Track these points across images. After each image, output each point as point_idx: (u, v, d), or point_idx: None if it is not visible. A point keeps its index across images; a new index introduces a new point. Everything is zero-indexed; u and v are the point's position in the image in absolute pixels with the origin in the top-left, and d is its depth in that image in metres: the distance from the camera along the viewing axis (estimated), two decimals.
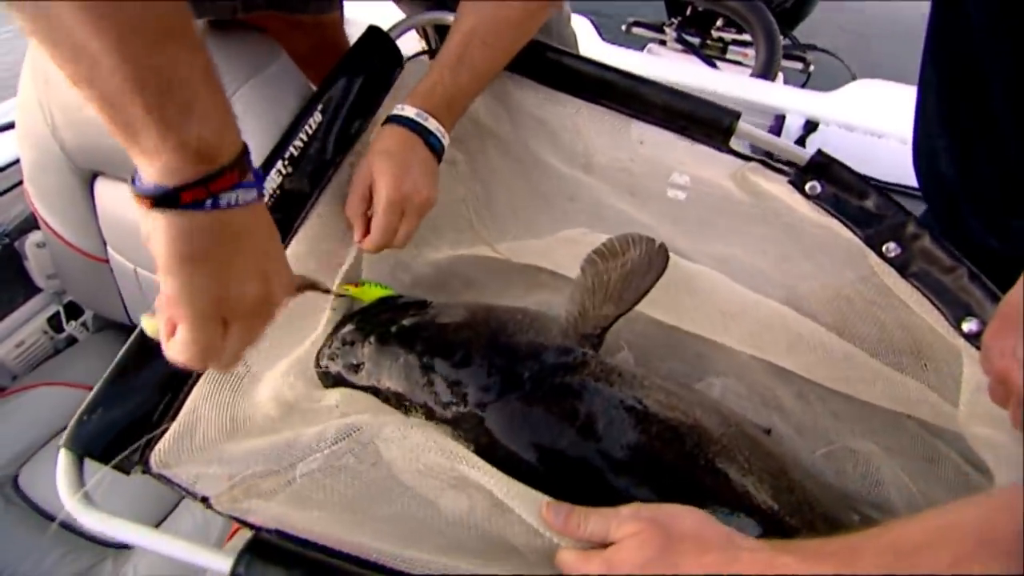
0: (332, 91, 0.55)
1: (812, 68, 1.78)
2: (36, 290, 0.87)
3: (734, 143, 0.60)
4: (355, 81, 0.56)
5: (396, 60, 0.61)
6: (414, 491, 0.47)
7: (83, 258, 0.74)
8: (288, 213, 0.52)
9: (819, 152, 0.56)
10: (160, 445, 0.43)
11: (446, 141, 0.56)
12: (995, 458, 0.45)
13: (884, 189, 0.64)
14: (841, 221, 0.56)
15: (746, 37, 1.66)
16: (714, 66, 1.72)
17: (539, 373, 0.52)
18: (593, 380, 0.52)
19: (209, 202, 0.32)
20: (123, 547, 0.63)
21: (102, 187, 0.68)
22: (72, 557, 0.61)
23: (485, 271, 0.72)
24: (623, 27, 1.91)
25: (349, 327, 0.58)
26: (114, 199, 0.68)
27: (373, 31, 0.60)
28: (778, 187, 0.58)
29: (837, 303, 0.63)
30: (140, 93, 0.29)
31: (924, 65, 0.65)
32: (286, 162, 0.51)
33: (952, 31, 0.59)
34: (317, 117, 0.53)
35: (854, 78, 1.43)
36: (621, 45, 1.35)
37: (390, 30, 0.62)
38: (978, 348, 0.47)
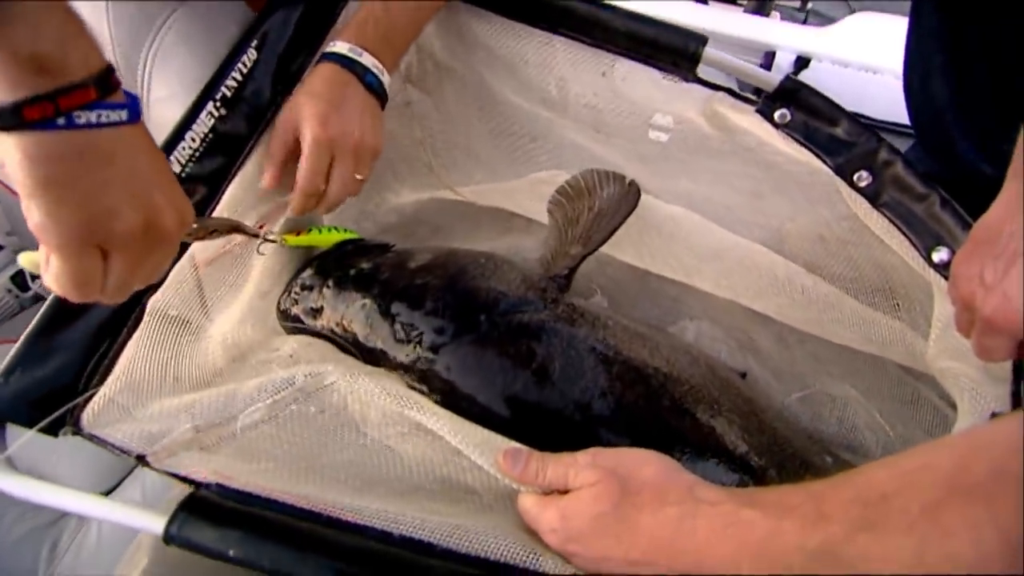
0: (269, 24, 0.51)
1: (810, 5, 1.70)
2: None
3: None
4: (294, 12, 0.52)
5: None
6: (366, 437, 0.46)
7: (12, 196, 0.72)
8: (225, 157, 0.49)
9: (788, 77, 0.53)
10: (91, 405, 0.41)
11: (386, 79, 0.52)
12: (960, 392, 0.43)
13: (874, 126, 0.60)
14: (811, 150, 0.53)
15: None
16: (705, 2, 1.64)
17: (496, 314, 0.50)
18: (553, 320, 0.50)
19: (62, 120, 0.29)
20: None
21: None
22: (32, 514, 0.61)
23: (452, 216, 0.70)
24: None
25: (308, 271, 0.57)
26: None
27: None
28: (748, 118, 0.54)
29: (811, 242, 0.61)
30: None
31: None
32: (218, 103, 0.48)
33: None
34: (252, 54, 0.50)
35: (852, 12, 1.36)
36: None
37: None
38: (947, 279, 0.45)
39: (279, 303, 0.57)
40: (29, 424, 0.39)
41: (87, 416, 0.40)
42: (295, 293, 0.56)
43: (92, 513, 0.38)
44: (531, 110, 0.61)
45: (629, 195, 0.58)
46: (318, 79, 0.50)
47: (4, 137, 0.29)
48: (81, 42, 0.30)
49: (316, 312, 0.55)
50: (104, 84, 0.30)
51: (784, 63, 1.07)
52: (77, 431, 0.40)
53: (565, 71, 0.59)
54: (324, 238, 0.58)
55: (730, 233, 0.65)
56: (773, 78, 0.53)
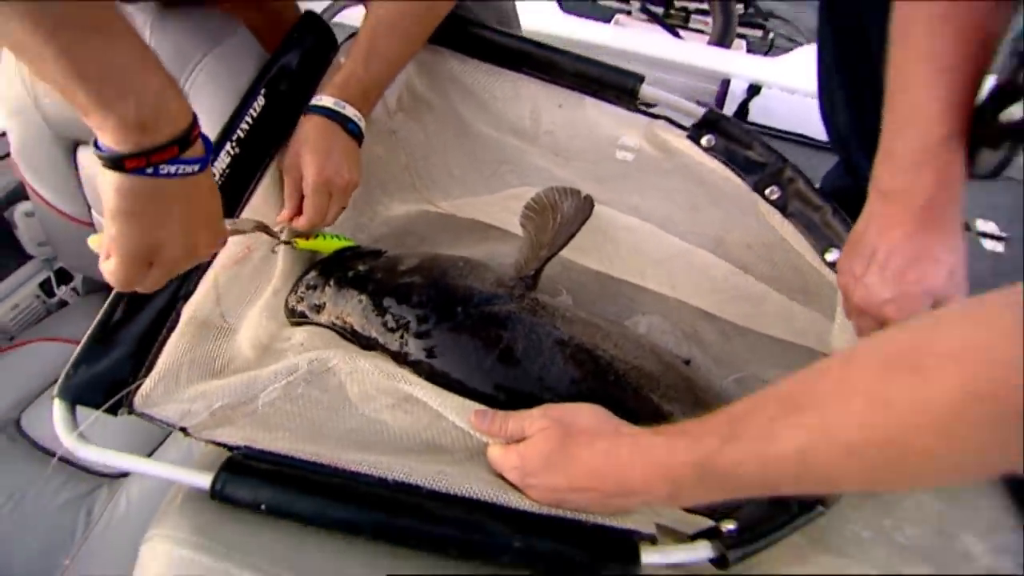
0: (273, 74, 0.61)
1: (772, 36, 1.84)
2: (27, 257, 0.94)
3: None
4: (293, 64, 0.62)
5: (331, 43, 0.68)
6: (364, 409, 0.55)
7: (71, 223, 0.81)
8: (237, 189, 0.59)
9: (710, 109, 0.63)
10: (142, 390, 0.50)
11: (363, 124, 0.63)
12: None
13: (815, 145, 0.70)
14: (732, 170, 0.63)
15: (707, 6, 1.72)
16: (677, 35, 1.77)
17: (471, 306, 0.60)
18: (518, 311, 0.60)
19: (150, 170, 0.39)
20: (118, 476, 0.72)
21: (84, 155, 0.75)
22: (71, 485, 0.69)
23: (435, 227, 0.80)
24: None
25: (312, 273, 0.66)
26: (96, 165, 0.74)
27: (309, 16, 0.66)
28: (683, 142, 0.65)
29: (742, 248, 0.72)
30: (79, 80, 0.36)
31: (820, 22, 0.72)
32: (234, 144, 0.58)
33: None
34: (261, 101, 0.60)
35: (809, 43, 1.49)
36: (583, 15, 1.40)
37: (324, 12, 0.69)
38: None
39: (287, 301, 0.66)
40: (95, 406, 0.48)
41: (138, 399, 0.49)
42: (301, 292, 0.66)
43: (151, 472, 0.46)
44: (500, 137, 0.72)
45: (584, 206, 0.68)
46: (312, 129, 0.61)
47: (107, 172, 0.39)
48: (173, 106, 0.39)
49: (319, 308, 0.65)
50: (185, 142, 0.40)
51: (738, 90, 1.19)
52: (131, 411, 0.49)
53: (528, 104, 0.69)
54: (326, 244, 0.68)
55: (676, 240, 0.76)
56: (699, 110, 0.64)
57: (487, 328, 0.58)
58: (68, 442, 0.46)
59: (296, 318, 0.65)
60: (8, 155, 0.82)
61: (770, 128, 1.14)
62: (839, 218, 0.58)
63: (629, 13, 1.89)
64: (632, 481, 0.41)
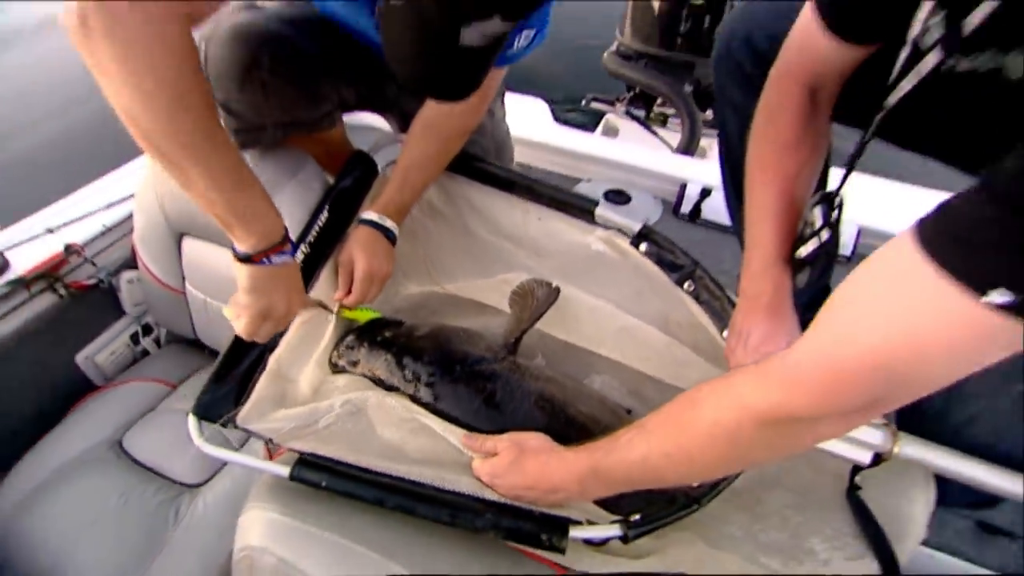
0: (333, 197, 0.88)
1: None
2: (122, 314, 1.19)
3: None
4: (347, 189, 0.90)
5: (374, 171, 0.95)
6: (388, 433, 0.78)
7: (166, 290, 1.07)
8: (308, 274, 0.85)
9: (644, 225, 0.89)
10: (242, 413, 0.74)
11: (397, 232, 0.89)
12: None
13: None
14: (662, 269, 0.88)
15: None
16: (655, 134, 2.08)
17: (466, 365, 0.83)
18: (500, 370, 0.84)
19: (266, 261, 0.66)
20: (197, 486, 0.94)
21: (188, 243, 1.01)
22: (163, 491, 0.92)
23: (443, 305, 1.04)
24: (583, 101, 2.30)
25: (350, 337, 0.90)
26: (195, 251, 1.01)
27: (359, 154, 0.94)
28: (628, 247, 0.90)
29: (675, 324, 0.95)
30: (233, 215, 0.63)
31: (720, 160, 0.97)
32: (306, 245, 0.85)
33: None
34: (325, 215, 0.87)
35: None
36: (571, 125, 1.70)
37: (369, 149, 0.96)
38: None
39: (330, 357, 0.90)
40: (214, 421, 0.71)
41: (240, 419, 0.73)
42: (342, 350, 0.90)
43: (254, 465, 0.68)
44: (494, 239, 0.98)
45: (552, 293, 0.93)
46: (362, 235, 0.86)
47: (240, 265, 0.65)
48: (278, 223, 0.66)
49: (355, 362, 0.88)
50: (285, 242, 0.67)
51: (693, 192, 1.46)
52: (236, 426, 0.72)
53: (516, 216, 0.95)
54: (361, 315, 0.92)
55: (627, 317, 1.00)
56: (635, 225, 0.89)
57: (477, 381, 0.82)
58: (198, 443, 0.69)
59: (337, 370, 0.89)
60: (125, 236, 1.10)
61: (718, 223, 1.40)
62: (732, 305, 0.82)
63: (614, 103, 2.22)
64: (556, 482, 0.64)
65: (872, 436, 0.69)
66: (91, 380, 1.15)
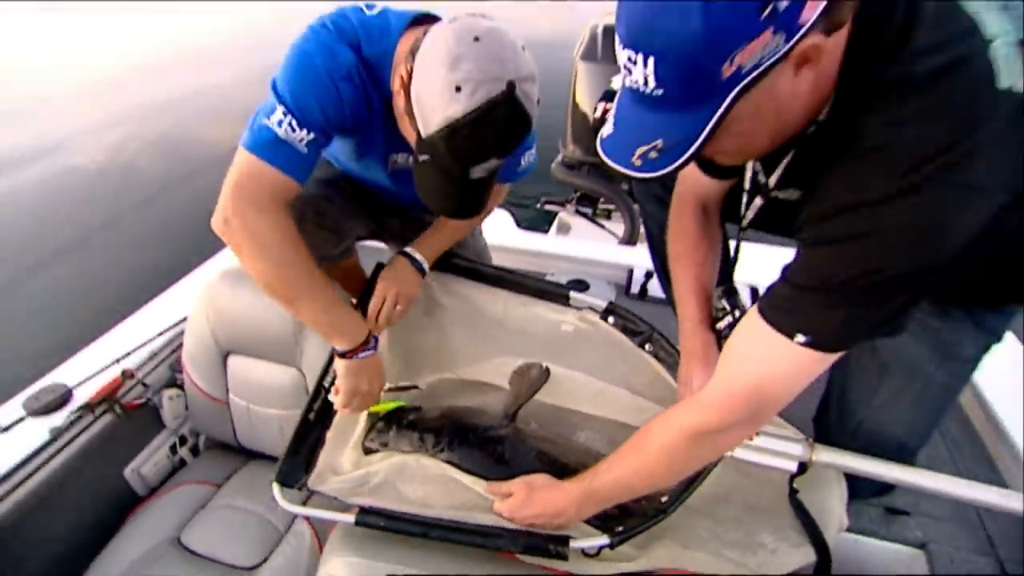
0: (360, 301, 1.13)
1: None
2: (163, 427, 1.36)
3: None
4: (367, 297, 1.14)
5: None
6: (424, 488, 0.98)
7: (212, 402, 1.25)
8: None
9: (610, 303, 1.15)
10: (310, 479, 0.93)
11: (427, 266, 1.11)
12: None
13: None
14: (626, 335, 1.13)
15: None
16: (603, 227, 2.43)
17: (477, 433, 1.05)
18: (505, 434, 1.06)
19: (355, 356, 0.91)
20: (254, 567, 1.08)
21: (233, 360, 1.22)
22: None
23: (453, 388, 1.26)
24: (538, 204, 2.66)
25: (380, 424, 1.11)
26: (240, 366, 1.21)
27: (379, 266, 1.19)
28: (598, 321, 1.16)
29: (638, 383, 1.20)
30: (330, 328, 0.89)
31: (650, 252, 1.27)
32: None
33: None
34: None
35: None
36: (532, 229, 2.02)
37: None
38: None
39: (364, 442, 1.10)
40: (290, 486, 0.90)
41: (310, 482, 0.92)
42: (373, 435, 1.10)
43: (334, 518, 0.85)
44: (486, 326, 1.22)
45: (544, 373, 1.17)
46: (395, 261, 1.09)
47: (339, 360, 0.91)
48: (364, 327, 0.93)
49: (385, 444, 1.08)
50: (367, 340, 0.92)
51: (639, 276, 1.76)
52: (306, 489, 0.91)
53: (502, 306, 1.21)
54: (388, 405, 1.13)
55: (598, 382, 1.24)
56: (603, 303, 1.15)
57: (488, 445, 1.03)
58: (283, 504, 0.87)
59: (369, 452, 1.09)
60: (168, 357, 1.29)
61: (662, 298, 1.68)
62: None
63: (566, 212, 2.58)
64: (559, 507, 0.85)
65: (796, 449, 0.92)
66: (136, 491, 1.29)
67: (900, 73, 0.58)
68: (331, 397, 0.97)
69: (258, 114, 0.85)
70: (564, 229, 2.56)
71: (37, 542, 1.10)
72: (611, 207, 2.50)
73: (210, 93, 6.28)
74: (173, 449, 1.37)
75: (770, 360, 0.69)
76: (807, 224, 0.68)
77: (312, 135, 0.85)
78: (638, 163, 0.61)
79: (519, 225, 1.99)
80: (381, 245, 1.39)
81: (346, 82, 0.86)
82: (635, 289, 1.75)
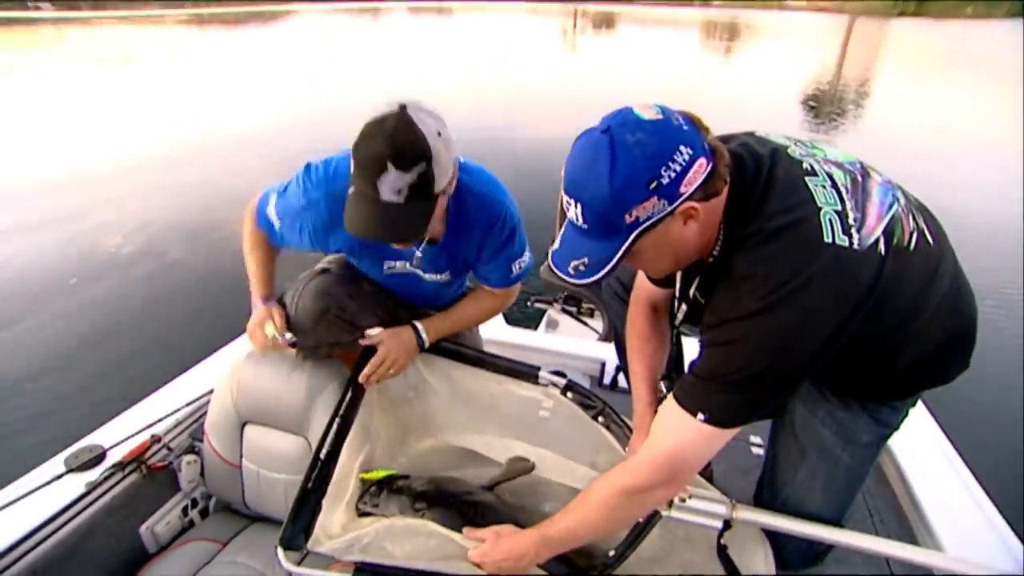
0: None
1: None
2: (178, 490, 1.51)
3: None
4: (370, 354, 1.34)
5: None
6: (409, 542, 1.13)
7: (227, 466, 1.42)
8: (342, 435, 1.26)
9: (569, 380, 1.35)
10: (309, 542, 1.09)
11: (427, 341, 1.33)
12: None
13: None
14: (583, 410, 1.32)
15: None
16: (586, 324, 2.67)
17: (459, 497, 1.22)
18: (484, 500, 1.23)
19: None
20: None
21: (249, 429, 1.40)
22: None
23: (439, 454, 1.44)
24: (527, 302, 2.92)
25: (372, 488, 1.28)
26: (255, 434, 1.39)
27: (367, 350, 1.40)
28: (559, 396, 1.35)
29: (602, 461, 1.37)
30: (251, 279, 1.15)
31: (615, 345, 1.50)
32: (339, 417, 1.27)
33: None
34: (348, 392, 1.30)
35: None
36: (519, 325, 2.26)
37: None
38: None
39: (357, 505, 1.27)
40: (295, 550, 1.06)
41: (310, 544, 1.08)
42: (367, 499, 1.26)
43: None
44: (467, 401, 1.42)
45: (528, 467, 1.35)
46: (406, 335, 1.30)
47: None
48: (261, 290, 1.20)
49: (376, 506, 1.25)
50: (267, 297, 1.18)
51: (610, 368, 1.97)
52: (307, 551, 1.07)
53: (484, 384, 1.41)
54: (379, 473, 1.31)
55: (563, 458, 1.41)
56: (562, 380, 1.36)
57: (467, 509, 1.20)
58: (287, 566, 1.03)
59: (361, 514, 1.25)
60: (191, 425, 1.48)
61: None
62: (631, 431, 1.26)
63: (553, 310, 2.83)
64: (521, 551, 1.01)
65: (720, 509, 1.09)
66: (147, 548, 1.43)
67: (756, 228, 0.85)
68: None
69: (275, 187, 1.24)
70: (553, 325, 2.80)
71: None
72: (592, 306, 2.76)
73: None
74: (185, 511, 1.51)
75: (680, 433, 0.90)
76: (702, 330, 0.91)
77: (282, 224, 1.23)
78: (571, 272, 0.86)
79: (508, 321, 2.23)
80: None
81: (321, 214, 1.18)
82: (607, 380, 1.96)
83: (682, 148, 0.79)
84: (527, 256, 1.35)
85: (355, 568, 1.03)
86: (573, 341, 2.13)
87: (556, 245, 0.91)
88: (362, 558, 1.06)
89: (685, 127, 0.81)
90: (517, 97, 12.45)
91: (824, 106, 11.49)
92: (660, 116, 0.80)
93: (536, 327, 2.75)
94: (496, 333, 2.10)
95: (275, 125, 9.45)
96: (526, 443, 1.41)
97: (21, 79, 15.19)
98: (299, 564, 1.05)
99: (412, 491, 1.26)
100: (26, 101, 11.82)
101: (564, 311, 2.79)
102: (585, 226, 0.84)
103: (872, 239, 0.84)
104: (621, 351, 1.47)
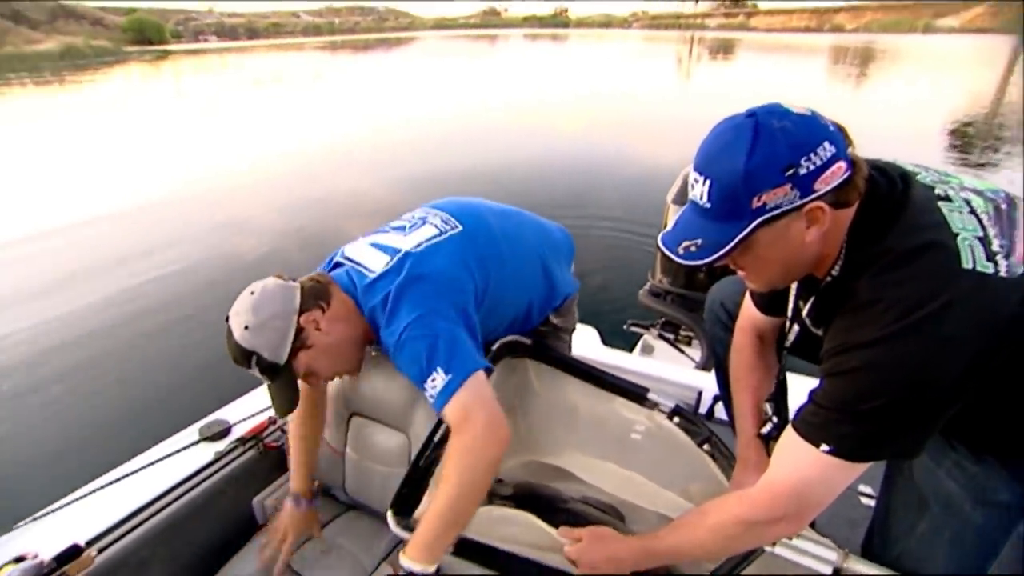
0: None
1: None
2: (287, 469, 1.64)
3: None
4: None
5: None
6: (506, 528, 1.16)
7: (332, 452, 1.53)
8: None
9: (676, 405, 1.32)
10: (416, 511, 1.14)
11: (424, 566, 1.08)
12: None
13: None
14: (687, 433, 1.29)
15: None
16: (683, 352, 2.59)
17: (552, 500, 1.24)
18: (570, 507, 1.23)
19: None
20: None
21: (355, 420, 1.50)
22: None
23: (533, 470, 1.47)
24: (624, 326, 2.88)
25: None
26: (359, 425, 1.49)
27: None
28: (664, 420, 1.33)
29: (694, 489, 1.33)
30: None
31: (717, 379, 1.45)
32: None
33: None
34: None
35: None
36: (615, 347, 2.24)
37: None
38: None
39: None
40: (404, 516, 1.12)
41: (416, 516, 1.14)
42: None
43: None
44: (570, 423, 1.43)
45: (618, 519, 1.34)
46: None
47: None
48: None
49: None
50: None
51: (708, 398, 1.90)
52: (415, 519, 1.13)
53: (589, 399, 1.41)
54: None
55: (655, 485, 1.38)
56: (670, 403, 1.33)
57: (555, 513, 1.21)
58: (394, 528, 1.07)
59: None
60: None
61: (725, 421, 1.80)
62: (735, 461, 1.21)
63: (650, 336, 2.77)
64: (620, 557, 1.01)
65: (830, 555, 1.02)
66: (257, 519, 1.56)
67: (885, 249, 0.80)
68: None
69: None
70: (648, 350, 2.75)
71: (183, 545, 1.39)
72: (691, 334, 2.67)
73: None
74: None
75: (802, 465, 0.85)
76: (823, 358, 0.87)
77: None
78: (681, 252, 0.85)
79: (604, 342, 2.22)
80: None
81: None
82: (703, 409, 1.89)
83: (826, 144, 0.78)
84: (444, 374, 1.08)
85: (457, 542, 1.05)
86: (669, 367, 2.07)
87: (670, 227, 0.89)
88: (464, 533, 1.09)
89: (832, 128, 0.80)
90: (628, 124, 12.43)
91: (977, 139, 10.35)
92: (809, 113, 0.80)
93: (631, 351, 2.71)
94: (590, 352, 2.09)
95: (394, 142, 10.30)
96: (617, 464, 1.40)
97: (194, 97, 17.84)
98: (408, 530, 1.08)
99: (503, 492, 1.29)
100: (200, 116, 14.04)
101: (661, 336, 2.72)
102: (708, 205, 0.82)
103: (1022, 269, 0.76)
104: (722, 380, 1.42)
